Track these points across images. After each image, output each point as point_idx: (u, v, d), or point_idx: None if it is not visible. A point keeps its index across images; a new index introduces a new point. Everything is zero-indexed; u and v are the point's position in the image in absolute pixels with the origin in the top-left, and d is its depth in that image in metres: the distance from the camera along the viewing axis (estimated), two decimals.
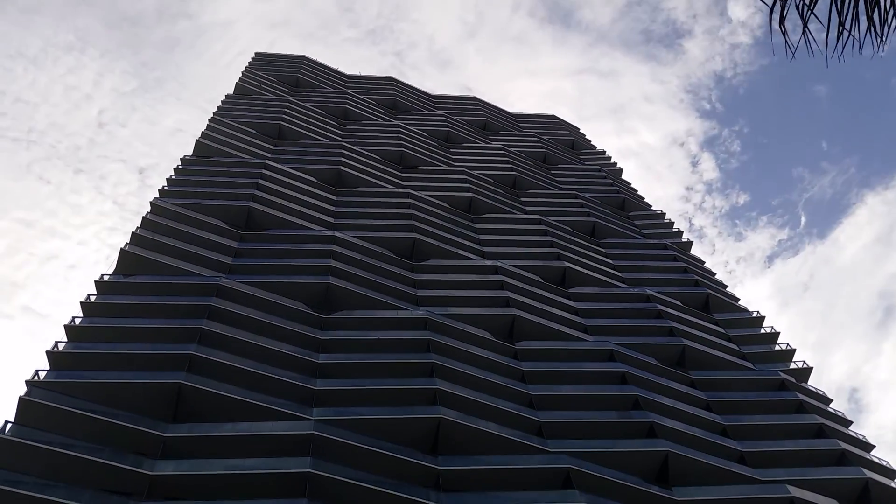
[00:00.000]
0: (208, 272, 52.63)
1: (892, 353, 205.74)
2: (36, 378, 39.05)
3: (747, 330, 66.45)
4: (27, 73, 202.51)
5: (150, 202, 58.70)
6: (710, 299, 69.51)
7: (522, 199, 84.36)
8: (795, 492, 45.60)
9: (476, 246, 69.16)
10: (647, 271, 73.20)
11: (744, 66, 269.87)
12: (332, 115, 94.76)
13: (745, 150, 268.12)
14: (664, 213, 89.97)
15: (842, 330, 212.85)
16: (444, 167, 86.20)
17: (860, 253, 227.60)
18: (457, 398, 45.72)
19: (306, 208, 65.91)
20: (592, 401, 50.24)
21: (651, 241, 79.36)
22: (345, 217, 67.89)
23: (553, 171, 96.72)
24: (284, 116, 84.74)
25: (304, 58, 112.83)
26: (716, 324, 67.03)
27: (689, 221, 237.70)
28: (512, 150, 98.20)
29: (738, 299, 72.63)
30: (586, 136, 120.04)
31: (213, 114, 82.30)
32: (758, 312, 69.32)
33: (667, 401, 51.69)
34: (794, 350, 63.57)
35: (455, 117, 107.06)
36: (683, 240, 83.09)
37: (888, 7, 6.25)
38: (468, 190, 79.18)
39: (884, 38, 6.31)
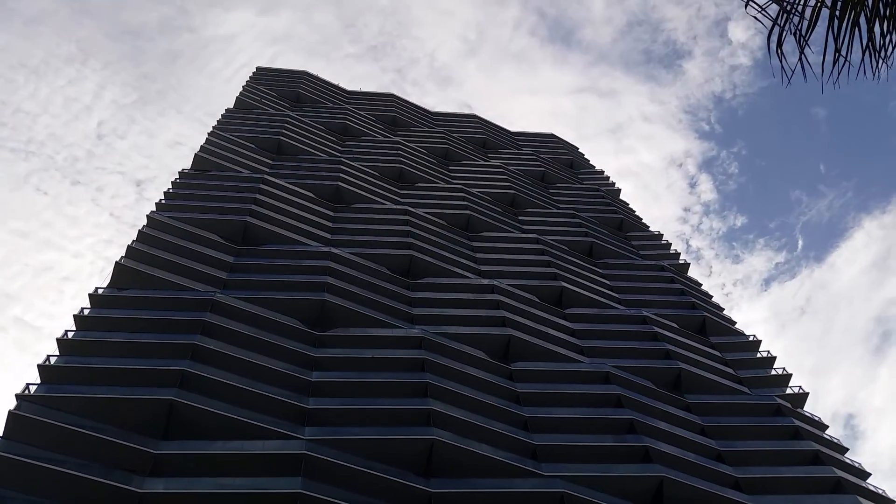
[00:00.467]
0: (203, 287, 52.40)
1: (889, 379, 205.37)
2: (26, 392, 38.69)
3: (743, 354, 66.25)
4: (28, 83, 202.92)
5: (147, 215, 58.56)
6: (707, 322, 69.35)
7: (520, 217, 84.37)
8: None
9: (473, 264, 69.04)
10: (643, 293, 73.06)
11: (743, 88, 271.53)
12: (331, 130, 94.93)
13: (742, 171, 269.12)
14: (662, 234, 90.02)
15: (838, 355, 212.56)
16: (443, 185, 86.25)
17: (857, 277, 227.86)
18: (451, 419, 45.39)
19: (303, 224, 65.81)
20: (587, 424, 49.91)
21: (648, 263, 79.31)
22: (342, 233, 67.78)
23: (551, 190, 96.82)
24: (284, 132, 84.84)
25: (304, 73, 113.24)
26: (712, 347, 66.82)
27: (687, 243, 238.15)
28: (510, 168, 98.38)
29: (735, 322, 72.48)
30: (585, 156, 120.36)
31: (213, 128, 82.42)
32: (754, 336, 69.16)
33: (662, 425, 51.38)
34: (791, 375, 63.33)
35: (454, 135, 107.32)
36: (681, 261, 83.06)
37: (885, 33, 6.30)
38: (466, 208, 79.18)
39: (879, 65, 6.37)
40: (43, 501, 33.33)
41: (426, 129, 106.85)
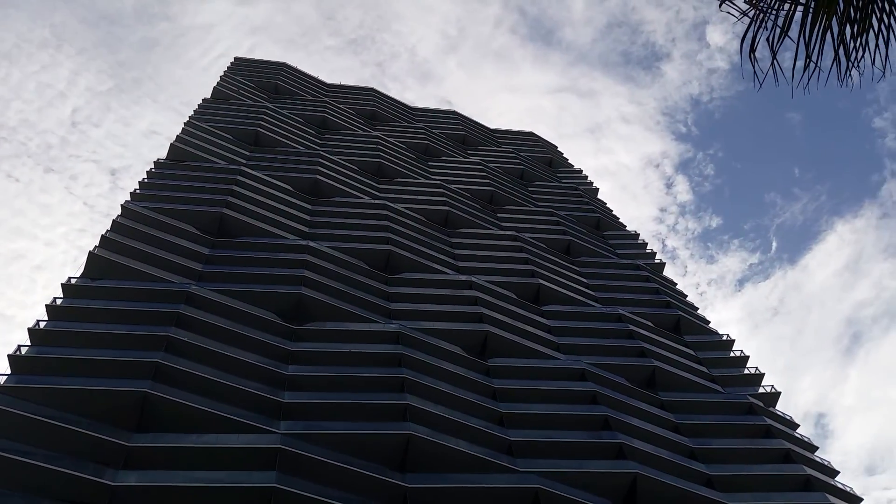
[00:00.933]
0: (178, 279, 51.74)
1: (858, 379, 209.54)
2: None
3: (717, 353, 67.06)
4: (0, 68, 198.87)
5: (122, 205, 57.66)
6: (682, 321, 70.08)
7: (499, 214, 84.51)
8: None
9: (451, 260, 69.02)
10: (620, 291, 73.62)
11: (720, 91, 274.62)
12: (310, 123, 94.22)
13: (718, 173, 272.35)
14: (638, 234, 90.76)
15: (809, 355, 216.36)
16: (422, 180, 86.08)
17: (829, 279, 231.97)
18: (427, 414, 45.35)
19: (281, 217, 65.25)
20: (563, 420, 50.19)
21: (625, 262, 79.91)
22: (320, 227, 67.34)
23: (530, 188, 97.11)
24: (262, 123, 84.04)
25: (283, 65, 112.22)
26: (686, 346, 67.55)
27: (663, 242, 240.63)
28: (490, 165, 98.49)
29: (709, 322, 73.34)
30: (564, 155, 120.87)
31: (189, 117, 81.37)
32: (728, 336, 70.04)
33: (636, 422, 51.84)
34: (763, 374, 64.27)
35: (434, 130, 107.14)
36: (656, 261, 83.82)
37: (856, 35, 6.42)
38: (445, 204, 79.11)
39: (849, 70, 6.51)
40: (13, 493, 32.66)
41: (406, 124, 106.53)
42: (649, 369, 59.36)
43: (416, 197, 79.57)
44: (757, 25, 6.37)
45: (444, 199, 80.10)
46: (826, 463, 56.03)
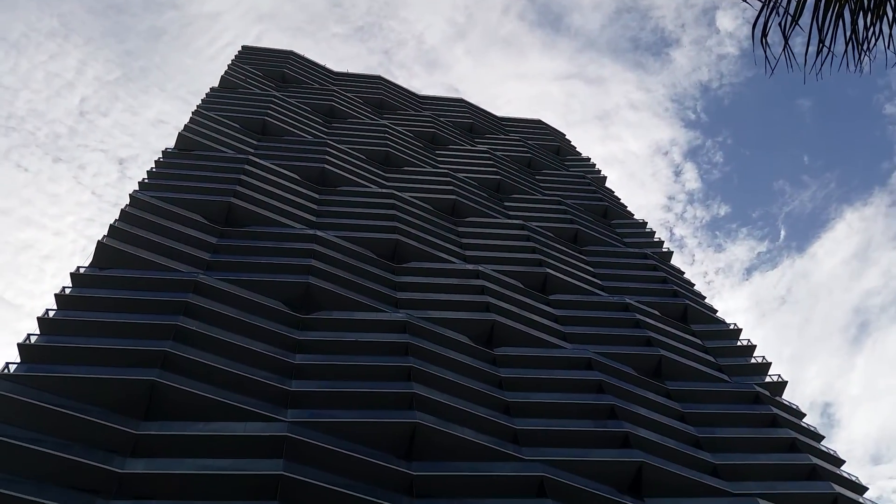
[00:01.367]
0: (186, 268, 52.05)
1: (865, 368, 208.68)
2: (6, 371, 38.34)
3: (724, 342, 66.96)
4: (8, 57, 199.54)
5: (130, 194, 57.96)
6: (689, 310, 69.96)
7: (506, 203, 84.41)
8: None
9: (458, 249, 69.08)
10: (627, 280, 73.53)
11: (729, 77, 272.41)
12: (317, 112, 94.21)
13: (727, 161, 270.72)
14: (646, 223, 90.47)
15: (816, 344, 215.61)
16: (429, 169, 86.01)
17: (837, 268, 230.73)
18: (434, 403, 45.57)
19: (288, 206, 65.42)
20: (568, 409, 50.33)
21: (632, 250, 79.74)
22: (327, 216, 67.49)
23: (537, 177, 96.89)
24: (269, 112, 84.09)
25: (291, 53, 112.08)
26: (693, 335, 67.48)
27: (671, 231, 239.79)
28: (497, 153, 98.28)
29: (716, 311, 73.19)
30: (571, 143, 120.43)
31: (197, 106, 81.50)
32: (735, 325, 69.90)
33: (642, 411, 51.92)
34: (770, 364, 64.13)
35: (441, 119, 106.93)
36: (664, 249, 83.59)
37: (868, 25, 6.35)
38: (452, 193, 79.07)
39: (861, 57, 6.42)
40: (23, 480, 33.10)
41: (413, 112, 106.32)
42: (655, 358, 59.38)
43: (423, 186, 79.56)
44: (769, 10, 6.30)
45: (451, 187, 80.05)
46: (832, 452, 56.00)
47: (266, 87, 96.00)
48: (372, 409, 44.32)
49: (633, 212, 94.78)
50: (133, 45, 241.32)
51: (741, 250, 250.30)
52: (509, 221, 77.46)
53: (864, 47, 6.27)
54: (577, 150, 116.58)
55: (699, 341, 65.82)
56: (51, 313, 44.22)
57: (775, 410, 56.44)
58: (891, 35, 6.23)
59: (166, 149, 70.13)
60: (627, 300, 67.04)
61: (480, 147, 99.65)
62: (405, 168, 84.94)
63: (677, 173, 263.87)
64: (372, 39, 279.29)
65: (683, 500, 45.67)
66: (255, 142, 77.26)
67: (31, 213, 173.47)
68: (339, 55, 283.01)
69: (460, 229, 74.06)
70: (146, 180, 62.45)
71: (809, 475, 51.13)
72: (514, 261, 69.54)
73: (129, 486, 35.30)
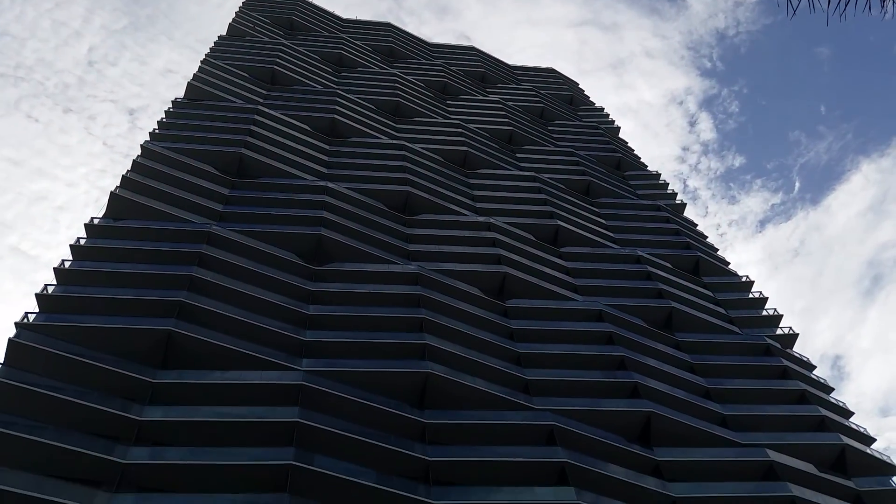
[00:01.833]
0: (198, 219, 52.19)
1: (877, 321, 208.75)
2: (25, 320, 38.91)
3: (735, 294, 66.95)
4: (13, 5, 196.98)
5: (141, 145, 57.81)
6: (701, 262, 69.81)
7: (518, 154, 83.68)
8: (774, 456, 46.59)
9: (469, 202, 68.83)
10: (639, 232, 73.25)
11: (746, 25, 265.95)
12: (326, 60, 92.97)
13: (743, 111, 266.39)
14: (659, 174, 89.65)
15: (829, 297, 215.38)
16: (440, 119, 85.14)
17: (852, 221, 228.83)
18: (445, 353, 46.04)
19: (299, 157, 65.14)
20: (579, 360, 50.75)
21: (645, 202, 79.22)
22: (338, 168, 67.20)
23: (550, 127, 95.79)
24: (278, 61, 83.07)
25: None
26: (704, 287, 67.47)
27: (684, 183, 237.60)
28: (509, 104, 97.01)
29: (729, 263, 72.99)
30: (585, 92, 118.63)
31: (206, 55, 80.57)
32: (747, 277, 69.77)
33: (652, 362, 52.28)
34: (781, 316, 64.20)
35: (452, 68, 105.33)
36: (677, 201, 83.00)
37: None
38: (463, 144, 78.38)
39: (887, 2, 6.17)
40: (45, 426, 33.89)
41: (424, 61, 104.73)
42: (666, 310, 59.52)
43: (434, 137, 78.86)
44: None
45: (462, 139, 79.32)
46: (841, 404, 56.41)
47: (274, 35, 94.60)
48: (385, 359, 44.83)
49: (646, 163, 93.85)
50: None
51: (755, 202, 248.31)
52: (521, 173, 76.91)
53: None
54: (590, 99, 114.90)
55: (711, 293, 65.83)
56: (67, 264, 44.62)
57: (785, 362, 56.72)
58: None
59: (176, 98, 69.62)
60: (639, 252, 66.91)
61: (492, 97, 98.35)
62: (416, 119, 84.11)
63: (692, 123, 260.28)
64: None
65: (692, 450, 46.30)
66: (264, 91, 76.54)
67: (44, 165, 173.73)
68: (347, 1, 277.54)
69: (472, 181, 73.65)
70: (157, 131, 62.19)
71: (818, 427, 51.63)
72: (525, 213, 69.29)
73: (148, 433, 36.11)
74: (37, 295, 41.34)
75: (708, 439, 47.61)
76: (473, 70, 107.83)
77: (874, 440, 53.23)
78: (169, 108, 67.15)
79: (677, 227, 74.42)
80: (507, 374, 47.14)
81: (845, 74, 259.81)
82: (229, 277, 46.87)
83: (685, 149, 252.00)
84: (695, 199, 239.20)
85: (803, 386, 54.49)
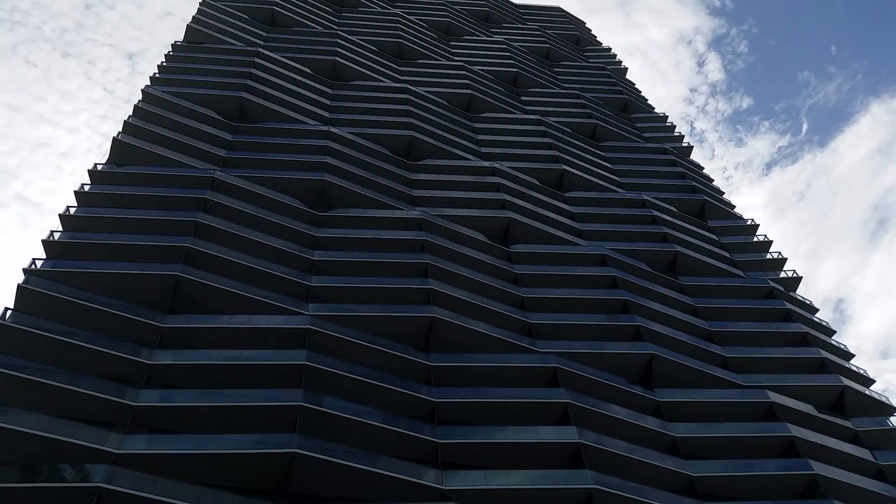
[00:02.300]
0: (202, 164, 52.01)
1: (881, 265, 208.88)
2: (33, 267, 39.24)
3: (740, 238, 66.91)
4: None
5: (142, 90, 57.19)
6: (706, 206, 69.57)
7: (523, 98, 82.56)
8: (774, 397, 47.34)
9: (474, 146, 68.28)
10: (645, 176, 72.79)
11: None
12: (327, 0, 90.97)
13: (752, 51, 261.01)
14: (666, 116, 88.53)
15: (833, 241, 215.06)
16: (444, 62, 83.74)
17: (859, 164, 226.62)
18: (450, 298, 46.42)
19: (300, 101, 64.40)
20: (582, 304, 51.14)
21: (651, 146, 78.48)
22: (340, 112, 66.49)
23: (556, 69, 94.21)
24: (278, 1, 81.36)
25: None
26: (709, 230, 67.41)
27: (691, 125, 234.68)
28: (514, 45, 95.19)
29: (734, 207, 72.73)
30: (592, 32, 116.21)
31: None
32: (752, 220, 69.62)
33: (655, 305, 52.66)
34: (786, 259, 64.32)
35: (456, 7, 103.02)
36: (684, 144, 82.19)
37: None
38: (467, 87, 77.28)
39: None
40: (57, 370, 34.56)
41: None
42: (671, 254, 59.62)
43: (437, 80, 77.71)
44: None
45: (466, 81, 78.17)
46: (842, 347, 56.97)
47: None
48: (390, 304, 45.25)
49: (653, 105, 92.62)
50: None
51: (762, 144, 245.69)
52: (526, 117, 76.02)
53: None
54: (597, 39, 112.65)
55: (715, 237, 65.81)
56: (72, 210, 44.73)
57: (788, 305, 57.06)
58: None
59: (175, 42, 68.52)
60: (644, 196, 66.63)
61: (497, 38, 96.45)
62: (419, 61, 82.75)
63: (700, 64, 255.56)
64: None
65: (693, 391, 47.06)
66: (264, 33, 75.20)
67: (45, 111, 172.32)
68: None
69: (476, 125, 72.90)
70: (157, 75, 61.42)
71: (819, 369, 52.26)
72: (530, 157, 68.77)
73: (158, 376, 36.81)
74: (43, 241, 41.59)
75: (709, 381, 48.32)
76: (478, 9, 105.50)
77: (873, 382, 53.96)
78: (169, 52, 66.16)
79: (683, 170, 73.89)
80: (511, 318, 47.61)
81: (857, 13, 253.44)
82: (234, 223, 46.99)
83: (693, 90, 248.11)
84: (702, 141, 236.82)
85: (805, 329, 54.94)
